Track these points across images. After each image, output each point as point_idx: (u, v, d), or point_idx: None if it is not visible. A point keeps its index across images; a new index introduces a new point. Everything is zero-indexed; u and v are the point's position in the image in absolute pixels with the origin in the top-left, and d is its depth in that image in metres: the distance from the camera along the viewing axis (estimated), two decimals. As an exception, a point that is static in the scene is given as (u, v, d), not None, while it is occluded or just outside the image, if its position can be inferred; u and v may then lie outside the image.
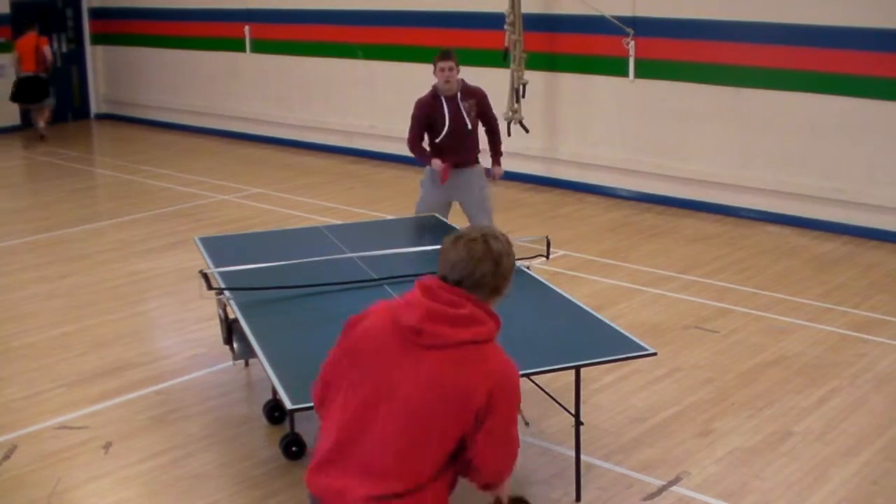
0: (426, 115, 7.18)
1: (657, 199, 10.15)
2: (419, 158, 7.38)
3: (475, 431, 2.81)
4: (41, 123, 14.58)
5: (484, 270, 2.83)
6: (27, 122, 15.36)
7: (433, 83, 7.18)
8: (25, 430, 5.46)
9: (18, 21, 14.70)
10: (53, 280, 8.11)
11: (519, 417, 3.01)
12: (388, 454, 2.78)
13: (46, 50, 14.30)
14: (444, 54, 7.09)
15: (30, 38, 14.19)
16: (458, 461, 2.89)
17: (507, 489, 3.13)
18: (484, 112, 7.24)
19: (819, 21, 8.88)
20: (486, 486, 3.00)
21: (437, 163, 7.12)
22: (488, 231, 2.90)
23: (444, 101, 7.11)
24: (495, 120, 7.38)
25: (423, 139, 7.30)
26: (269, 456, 5.12)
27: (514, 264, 2.92)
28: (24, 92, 14.38)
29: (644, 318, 6.92)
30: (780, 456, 5.04)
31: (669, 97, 9.96)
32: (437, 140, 7.17)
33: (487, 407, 2.78)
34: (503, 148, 7.50)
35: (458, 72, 7.07)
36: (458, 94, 7.09)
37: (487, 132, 7.37)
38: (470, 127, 7.12)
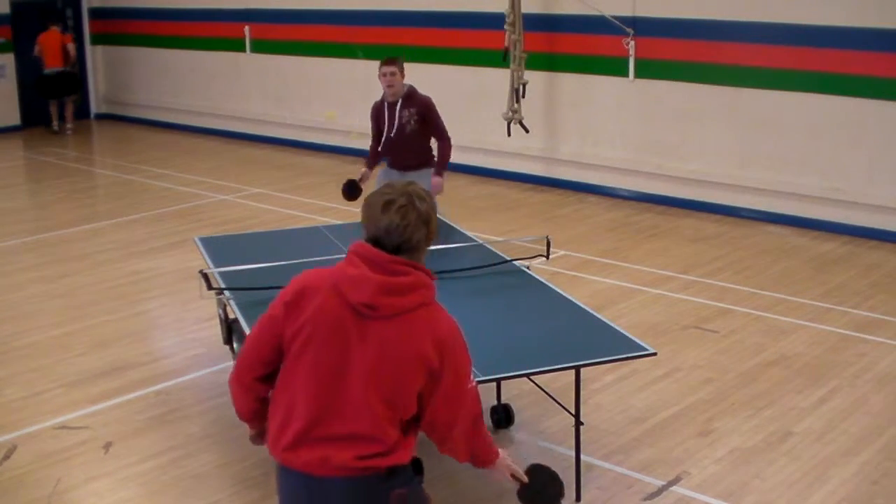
0: (374, 119, 7.49)
1: (657, 199, 10.15)
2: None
3: (432, 392, 2.96)
4: (69, 121, 15.10)
5: (419, 236, 2.94)
6: (28, 122, 15.39)
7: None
8: (25, 431, 5.46)
9: (39, 20, 14.98)
10: (53, 280, 8.11)
11: None
12: (362, 421, 2.90)
13: (71, 46, 14.74)
14: (388, 60, 7.28)
15: (53, 35, 14.55)
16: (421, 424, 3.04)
17: (508, 466, 3.27)
18: (427, 121, 7.30)
19: (819, 21, 8.88)
20: (472, 460, 3.18)
21: (360, 172, 7.60)
22: (412, 191, 2.97)
23: (386, 107, 7.32)
24: (441, 129, 7.38)
25: (377, 141, 7.52)
26: (269, 456, 5.10)
27: (436, 216, 3.02)
28: (54, 87, 14.74)
29: (644, 318, 6.92)
30: (780, 456, 5.04)
31: (669, 97, 9.97)
32: (380, 145, 7.46)
33: (441, 366, 2.94)
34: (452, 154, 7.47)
35: (402, 78, 7.24)
36: (400, 101, 7.24)
37: (436, 140, 7.43)
38: (406, 133, 7.24)
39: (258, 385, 3.09)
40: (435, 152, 7.39)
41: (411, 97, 7.28)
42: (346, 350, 2.91)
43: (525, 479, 3.33)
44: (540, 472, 3.38)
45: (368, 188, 7.38)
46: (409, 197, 2.94)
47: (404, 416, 2.97)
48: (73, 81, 14.99)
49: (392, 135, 7.27)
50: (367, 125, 13.26)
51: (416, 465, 3.14)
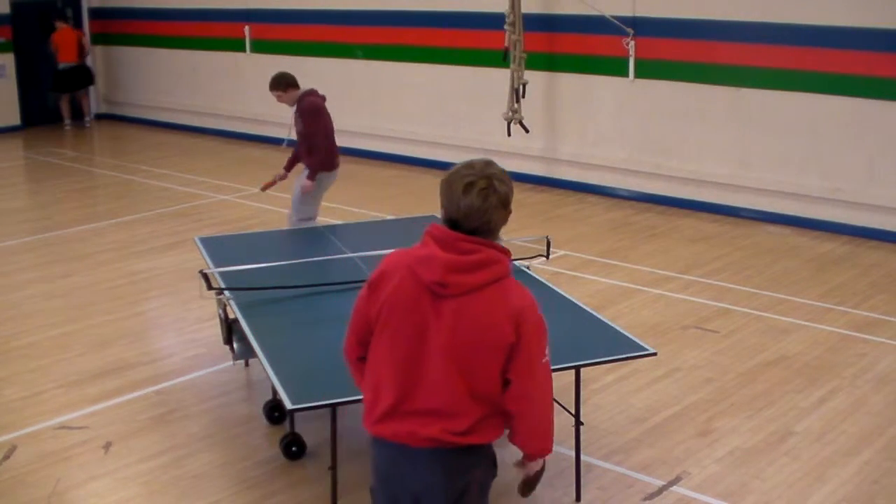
0: (326, 119, 7.91)
1: (657, 198, 10.15)
2: None
3: (510, 367, 3.00)
4: (87, 114, 15.70)
5: (497, 218, 3.01)
6: (28, 123, 15.39)
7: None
8: (25, 430, 5.46)
9: (47, 20, 15.29)
10: (53, 280, 8.11)
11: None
12: (442, 397, 3.00)
13: (85, 41, 15.36)
14: (269, 85, 7.85)
15: (68, 31, 14.99)
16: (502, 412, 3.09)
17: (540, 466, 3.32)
18: (300, 125, 7.72)
19: (819, 21, 8.88)
20: (529, 453, 3.22)
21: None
22: (492, 173, 3.00)
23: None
24: (305, 130, 7.67)
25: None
26: (269, 456, 5.12)
27: (511, 198, 3.06)
28: (70, 80, 15.17)
29: (644, 318, 6.92)
30: (781, 456, 5.04)
31: (669, 97, 9.96)
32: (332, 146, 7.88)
33: (517, 340, 2.97)
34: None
35: (287, 94, 7.74)
36: (295, 106, 7.76)
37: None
38: (294, 136, 7.83)
39: (362, 365, 3.20)
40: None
41: (299, 101, 7.77)
42: (423, 328, 2.99)
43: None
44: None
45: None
46: (489, 179, 2.97)
47: (485, 393, 3.02)
48: (88, 74, 15.47)
49: (293, 138, 7.90)
50: (367, 125, 13.27)
51: (494, 458, 3.23)
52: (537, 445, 3.21)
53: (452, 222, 3.00)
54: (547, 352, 3.09)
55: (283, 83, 7.67)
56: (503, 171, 3.06)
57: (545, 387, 3.12)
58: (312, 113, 7.60)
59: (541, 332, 3.06)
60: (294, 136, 7.84)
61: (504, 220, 3.04)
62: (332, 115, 7.86)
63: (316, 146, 7.60)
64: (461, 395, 3.00)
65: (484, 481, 3.18)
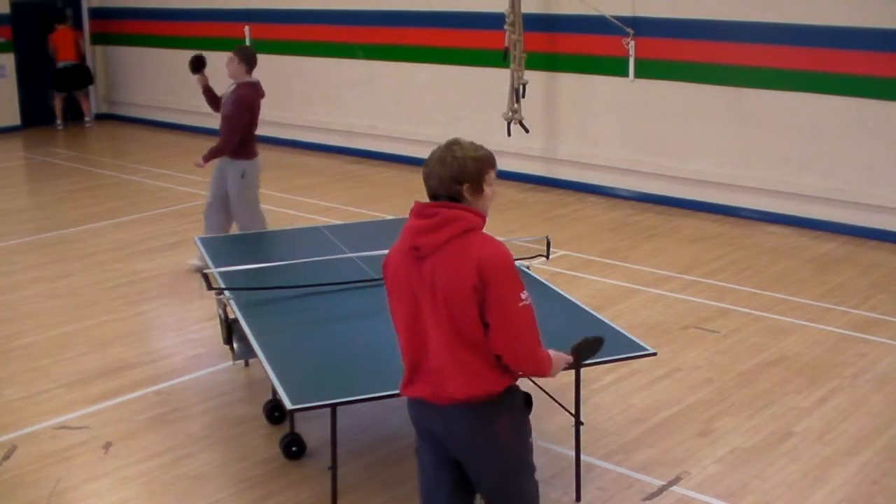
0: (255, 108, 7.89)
1: (657, 199, 10.15)
2: None
3: (486, 312, 3.21)
4: (87, 115, 15.87)
5: (450, 183, 3.27)
6: (29, 123, 15.39)
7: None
8: (25, 431, 5.46)
9: (46, 21, 15.49)
10: (53, 280, 8.11)
11: None
12: (445, 354, 3.27)
13: (82, 42, 15.66)
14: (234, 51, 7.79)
15: (66, 32, 15.19)
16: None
17: (561, 360, 3.55)
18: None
19: (819, 21, 8.88)
20: (534, 373, 3.47)
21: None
22: (453, 143, 3.34)
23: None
24: (230, 115, 7.70)
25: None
26: (269, 456, 5.12)
27: (481, 162, 3.33)
28: (69, 79, 15.33)
29: (644, 318, 6.92)
30: (781, 456, 5.04)
31: (669, 97, 9.96)
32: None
33: (482, 284, 3.19)
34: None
35: (236, 67, 7.65)
36: (233, 87, 7.75)
37: None
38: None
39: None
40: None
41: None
42: (415, 293, 3.30)
43: (575, 361, 3.72)
44: (584, 344, 3.75)
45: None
46: (449, 148, 3.31)
47: (476, 342, 3.24)
48: (86, 74, 15.61)
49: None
50: (367, 125, 13.29)
51: (526, 399, 3.54)
52: (534, 373, 3.46)
53: (428, 194, 3.33)
54: (524, 295, 3.25)
55: (241, 54, 7.69)
56: (474, 146, 3.36)
57: (525, 326, 3.26)
58: (245, 106, 7.65)
59: (508, 276, 3.23)
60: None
61: (470, 182, 3.28)
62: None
63: (230, 135, 7.69)
64: (459, 349, 3.25)
65: (515, 425, 3.41)
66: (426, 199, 3.35)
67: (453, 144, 3.33)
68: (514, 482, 3.45)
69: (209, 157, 7.78)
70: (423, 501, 3.57)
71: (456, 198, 3.29)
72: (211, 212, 7.94)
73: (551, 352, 3.45)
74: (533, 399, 3.92)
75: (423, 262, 3.27)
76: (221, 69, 7.82)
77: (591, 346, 3.78)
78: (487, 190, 3.35)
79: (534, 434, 3.58)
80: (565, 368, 3.66)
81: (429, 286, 3.25)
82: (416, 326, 3.32)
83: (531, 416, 3.79)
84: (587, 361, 3.80)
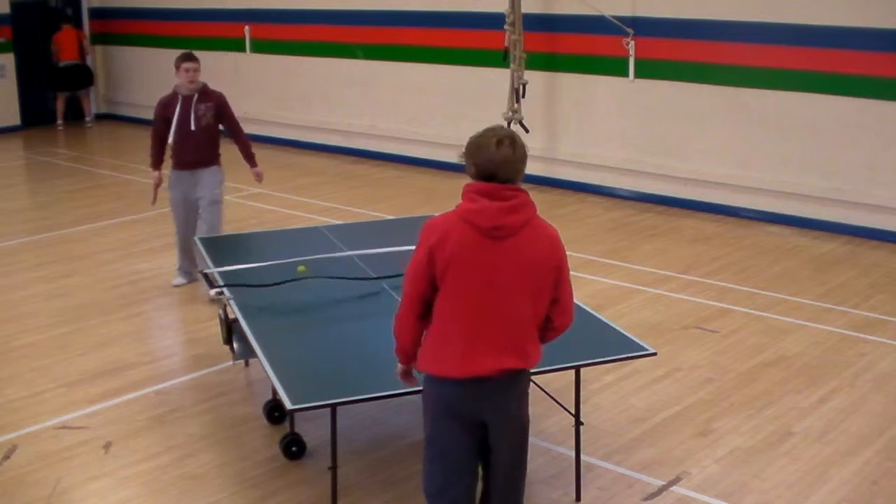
0: (161, 115, 7.55)
1: (657, 199, 10.15)
2: (150, 152, 7.77)
3: (556, 289, 3.59)
4: (87, 114, 15.91)
5: (522, 168, 3.54)
6: (28, 123, 15.39)
7: (175, 84, 7.52)
8: (25, 430, 5.46)
9: (50, 21, 15.60)
10: (53, 280, 8.11)
11: None
12: (515, 328, 3.52)
13: (86, 43, 15.62)
14: (192, 55, 7.52)
15: (69, 32, 15.23)
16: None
17: None
18: (223, 116, 7.60)
19: (819, 21, 8.88)
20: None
21: (152, 176, 7.80)
22: (512, 132, 3.56)
23: (179, 101, 7.43)
24: (238, 123, 7.77)
25: (163, 139, 7.62)
26: (269, 456, 5.12)
27: None
28: (69, 79, 15.39)
29: (644, 318, 6.92)
30: (780, 456, 5.04)
31: (669, 97, 9.96)
32: (169, 139, 7.53)
33: (559, 261, 3.58)
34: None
35: (198, 73, 7.46)
36: (196, 96, 7.42)
37: (232, 136, 7.79)
38: (201, 127, 7.43)
39: (420, 323, 3.61)
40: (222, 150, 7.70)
41: (206, 92, 7.50)
42: (489, 270, 3.46)
43: None
44: None
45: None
46: (512, 137, 3.51)
47: (541, 315, 3.59)
48: (87, 73, 15.63)
49: (191, 129, 7.37)
50: (366, 125, 13.29)
51: None
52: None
53: (488, 175, 3.47)
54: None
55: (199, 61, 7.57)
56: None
57: (572, 297, 3.74)
58: (227, 101, 7.68)
59: (565, 254, 3.66)
60: (193, 127, 7.49)
61: (524, 172, 3.56)
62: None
63: (242, 131, 7.78)
64: (528, 323, 3.54)
65: (527, 396, 3.75)
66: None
67: (513, 132, 3.56)
68: (524, 450, 3.75)
69: (256, 160, 7.81)
70: (443, 484, 3.65)
71: (517, 179, 3.52)
72: (193, 225, 7.64)
73: None
74: (530, 397, 3.93)
75: (502, 241, 3.45)
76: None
77: None
78: None
79: (533, 435, 3.64)
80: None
81: (511, 263, 3.46)
82: (488, 302, 3.47)
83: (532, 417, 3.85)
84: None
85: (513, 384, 3.59)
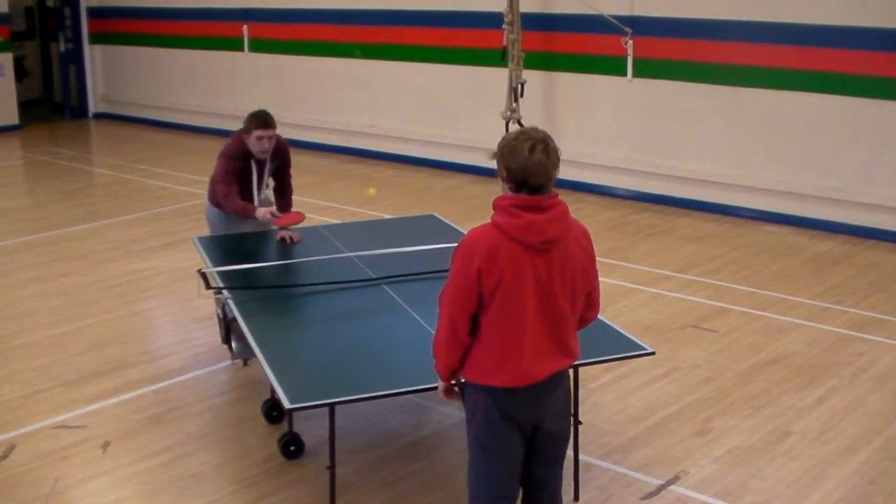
0: (235, 170, 6.20)
1: (655, 198, 10.15)
2: (238, 212, 6.17)
3: (591, 281, 3.66)
4: None
5: (555, 174, 3.51)
6: (27, 122, 15.38)
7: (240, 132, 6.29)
8: (23, 430, 5.46)
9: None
10: (52, 279, 8.11)
11: None
12: (567, 331, 3.57)
13: None
14: (266, 122, 6.20)
15: None
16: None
17: None
18: (283, 165, 6.45)
19: (818, 20, 8.88)
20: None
21: (263, 213, 6.11)
22: (546, 135, 3.51)
23: (253, 165, 6.27)
24: (289, 174, 6.53)
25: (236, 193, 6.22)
26: (268, 455, 5.12)
27: None
28: None
29: (642, 318, 6.93)
30: (779, 455, 5.04)
31: (668, 96, 9.97)
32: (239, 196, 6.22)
33: (593, 261, 3.65)
34: None
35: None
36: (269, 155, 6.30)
37: (281, 187, 6.53)
38: (265, 188, 6.41)
39: (469, 339, 3.57)
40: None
41: (275, 150, 6.34)
42: (540, 282, 3.45)
43: None
44: None
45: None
46: (545, 141, 3.48)
47: (579, 312, 3.64)
48: None
49: (262, 189, 6.35)
50: (365, 124, 13.26)
51: None
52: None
53: (519, 182, 3.43)
54: None
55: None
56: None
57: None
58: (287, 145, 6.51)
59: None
60: (269, 186, 6.48)
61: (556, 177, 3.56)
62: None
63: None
64: (571, 321, 3.58)
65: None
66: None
67: (545, 134, 3.53)
68: (567, 440, 3.80)
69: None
70: (497, 492, 3.64)
71: (550, 184, 3.51)
72: None
73: None
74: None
75: (549, 252, 3.45)
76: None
77: None
78: None
79: None
80: None
81: (560, 271, 3.48)
82: (548, 311, 3.50)
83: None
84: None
85: (562, 380, 3.66)
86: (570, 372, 4.30)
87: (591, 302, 3.71)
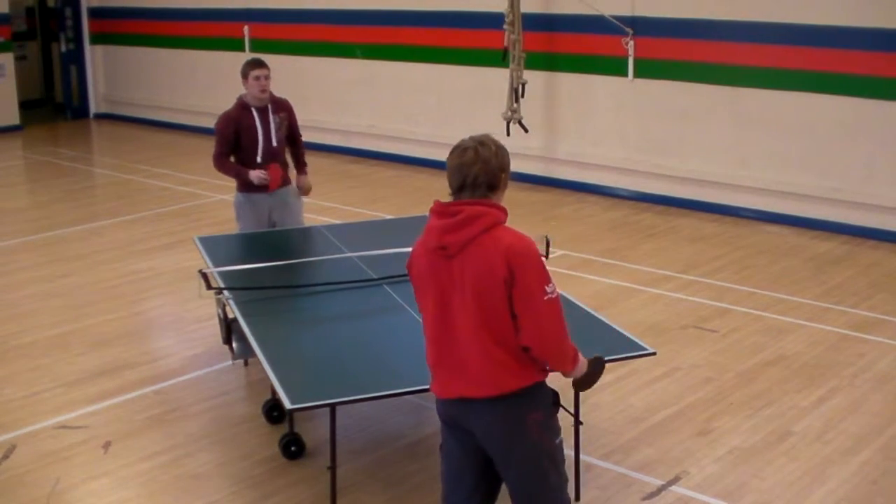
0: (231, 132, 6.43)
1: (656, 198, 10.15)
2: (231, 175, 6.61)
3: (514, 305, 3.28)
4: None
5: (475, 172, 3.35)
6: (28, 122, 15.38)
7: (239, 94, 6.55)
8: (24, 430, 5.46)
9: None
10: (52, 280, 8.11)
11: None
12: (475, 349, 3.33)
13: None
14: (261, 61, 6.50)
15: None
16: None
17: (584, 363, 3.61)
18: (292, 123, 6.69)
19: (818, 21, 8.88)
20: (564, 373, 3.54)
21: (256, 174, 6.40)
22: (480, 138, 3.42)
23: (256, 114, 6.44)
24: (298, 128, 6.79)
25: (229, 158, 6.56)
26: (268, 455, 5.12)
27: (504, 163, 3.43)
28: None
29: (643, 318, 6.92)
30: (780, 455, 5.04)
31: (668, 97, 9.96)
32: (243, 161, 6.51)
33: (511, 275, 3.26)
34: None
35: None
36: (270, 107, 6.49)
37: (293, 144, 6.81)
38: (275, 144, 6.51)
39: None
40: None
41: (277, 101, 6.57)
42: (444, 291, 3.37)
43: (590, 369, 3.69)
44: (597, 360, 3.73)
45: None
46: (473, 142, 3.39)
47: (506, 337, 3.32)
48: None
49: (273, 145, 6.47)
50: (366, 124, 13.27)
51: (555, 397, 3.54)
52: (559, 368, 3.49)
53: (451, 188, 3.41)
54: (548, 289, 3.31)
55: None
56: (496, 141, 3.43)
57: (552, 316, 3.32)
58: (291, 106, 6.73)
59: (534, 266, 3.31)
60: (276, 141, 6.56)
61: (488, 179, 3.36)
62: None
63: (301, 145, 6.86)
64: (489, 344, 3.31)
65: (545, 421, 3.46)
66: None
67: (484, 138, 3.42)
68: (543, 479, 3.47)
69: (305, 168, 6.92)
70: (446, 491, 3.61)
71: (491, 189, 3.37)
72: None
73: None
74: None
75: (452, 260, 3.34)
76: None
77: (600, 366, 3.74)
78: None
79: (561, 434, 3.58)
80: (577, 379, 3.67)
81: (459, 283, 3.33)
82: (444, 324, 3.39)
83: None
84: (584, 385, 3.75)
85: (505, 407, 3.37)
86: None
87: (525, 330, 3.29)
